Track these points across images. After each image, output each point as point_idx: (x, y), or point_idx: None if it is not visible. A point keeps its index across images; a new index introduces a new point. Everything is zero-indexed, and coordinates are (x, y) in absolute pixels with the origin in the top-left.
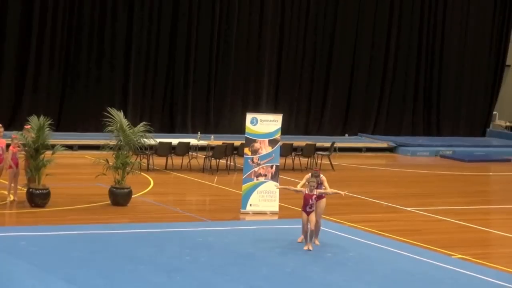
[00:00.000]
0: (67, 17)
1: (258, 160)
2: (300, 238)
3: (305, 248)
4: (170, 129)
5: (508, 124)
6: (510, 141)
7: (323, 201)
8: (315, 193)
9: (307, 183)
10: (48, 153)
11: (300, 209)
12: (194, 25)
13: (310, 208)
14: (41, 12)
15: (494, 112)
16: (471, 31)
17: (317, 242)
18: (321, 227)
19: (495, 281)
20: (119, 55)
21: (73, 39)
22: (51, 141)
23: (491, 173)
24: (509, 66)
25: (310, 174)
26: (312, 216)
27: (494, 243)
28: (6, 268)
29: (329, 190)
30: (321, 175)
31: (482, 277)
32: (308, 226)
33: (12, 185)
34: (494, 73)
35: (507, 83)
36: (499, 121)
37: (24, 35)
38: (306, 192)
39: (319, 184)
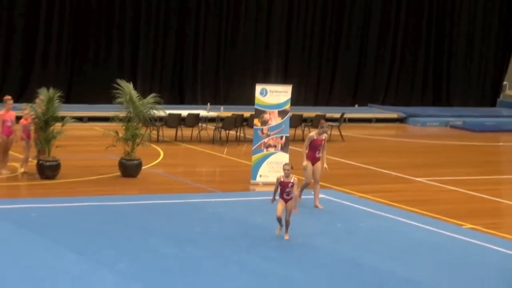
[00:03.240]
0: None
1: (268, 131)
2: (278, 229)
3: (286, 237)
4: (180, 101)
5: None
6: None
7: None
8: (291, 180)
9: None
10: (58, 125)
11: (279, 197)
12: None
13: (288, 195)
14: None
15: (505, 83)
16: (481, 1)
17: (287, 237)
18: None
19: (505, 250)
20: (128, 26)
21: (82, 11)
22: (61, 113)
23: (501, 143)
24: None
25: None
26: (289, 204)
27: (504, 213)
28: (17, 239)
29: (296, 193)
30: (294, 178)
31: (493, 246)
32: (283, 215)
33: (22, 157)
34: (504, 43)
35: None
36: (509, 91)
37: (34, 8)
38: (282, 179)
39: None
